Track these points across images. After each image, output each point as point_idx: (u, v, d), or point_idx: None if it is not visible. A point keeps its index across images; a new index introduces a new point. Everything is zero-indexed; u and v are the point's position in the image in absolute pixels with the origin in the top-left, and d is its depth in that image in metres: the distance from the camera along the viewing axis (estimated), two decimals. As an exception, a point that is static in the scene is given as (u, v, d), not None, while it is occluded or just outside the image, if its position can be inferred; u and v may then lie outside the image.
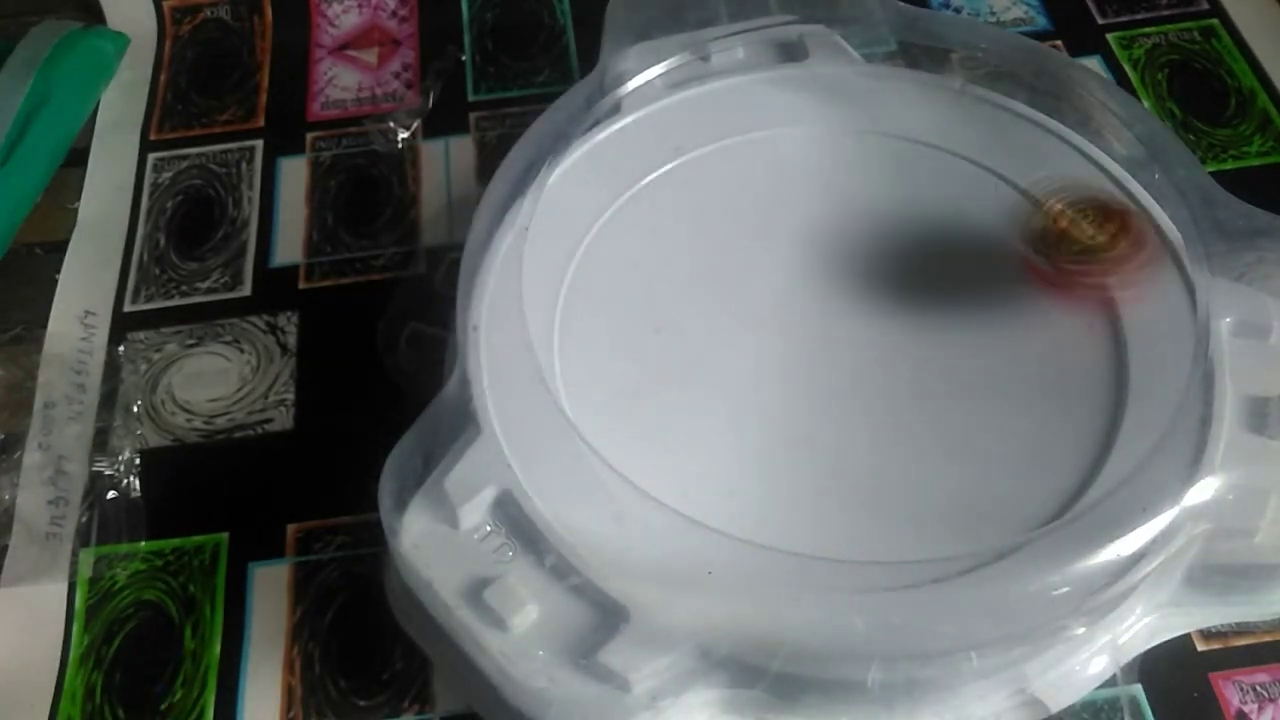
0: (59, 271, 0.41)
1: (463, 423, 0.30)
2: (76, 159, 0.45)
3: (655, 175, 0.36)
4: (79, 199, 0.44)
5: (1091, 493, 0.29)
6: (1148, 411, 0.30)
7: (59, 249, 0.42)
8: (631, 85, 0.38)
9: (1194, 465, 0.29)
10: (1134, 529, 0.28)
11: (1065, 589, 0.27)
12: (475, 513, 0.29)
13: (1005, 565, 0.28)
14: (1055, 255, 0.32)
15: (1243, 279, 0.33)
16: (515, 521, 0.28)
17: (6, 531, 0.35)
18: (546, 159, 0.35)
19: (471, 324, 0.32)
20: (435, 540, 0.28)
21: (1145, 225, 0.32)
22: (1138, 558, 0.28)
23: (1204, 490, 0.29)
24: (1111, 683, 0.29)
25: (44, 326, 0.40)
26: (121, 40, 0.48)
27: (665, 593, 0.27)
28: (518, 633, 0.27)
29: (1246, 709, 0.30)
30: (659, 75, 0.38)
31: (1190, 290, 0.32)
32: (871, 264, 0.35)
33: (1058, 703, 0.29)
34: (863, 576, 0.27)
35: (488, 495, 0.29)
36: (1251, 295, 0.32)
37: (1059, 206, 0.32)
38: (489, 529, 0.29)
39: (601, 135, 0.37)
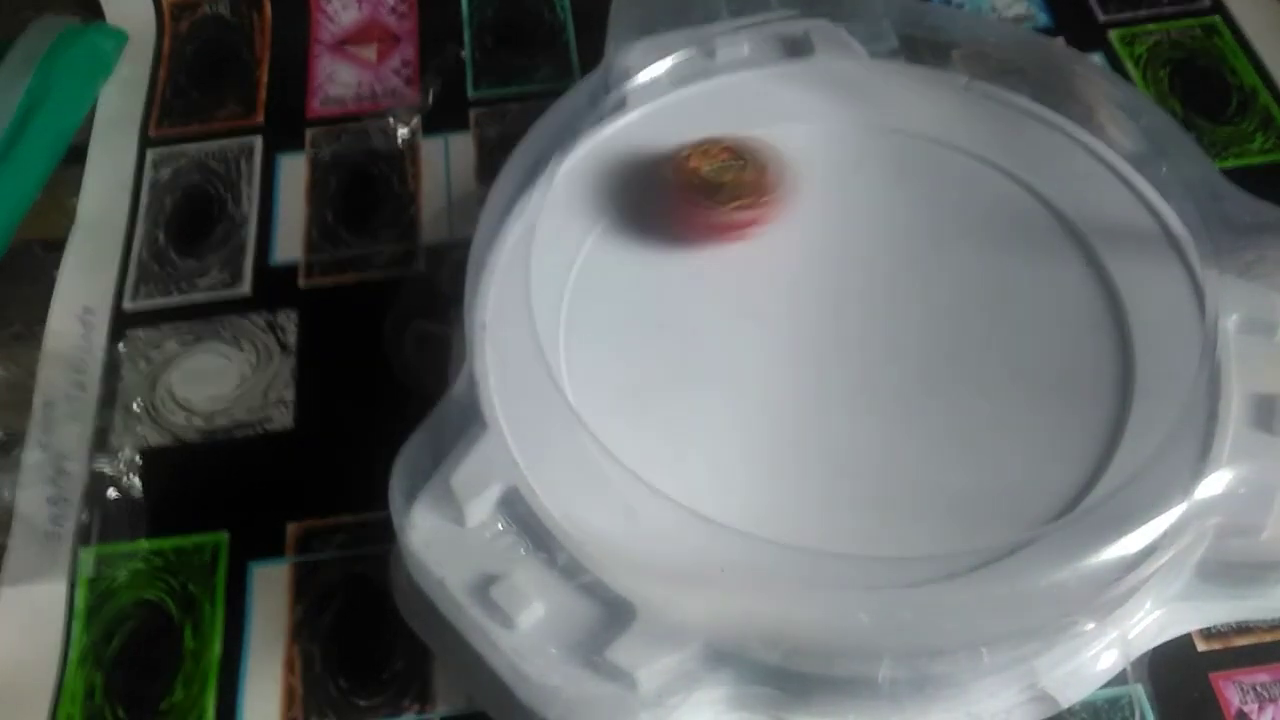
0: (58, 269, 0.41)
1: (470, 420, 0.30)
2: (75, 156, 0.45)
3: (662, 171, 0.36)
4: (78, 196, 0.43)
5: (1101, 488, 0.29)
6: (1155, 407, 0.30)
7: (58, 246, 0.42)
8: (637, 81, 0.37)
9: (1202, 461, 0.29)
10: (1143, 524, 0.28)
11: (1075, 584, 0.27)
12: (481, 510, 0.29)
13: (1016, 561, 0.27)
14: (690, 197, 0.33)
15: (1246, 274, 0.33)
16: (522, 519, 0.28)
17: (6, 530, 0.35)
18: (553, 155, 0.35)
19: (479, 321, 0.31)
20: (445, 538, 0.28)
21: (773, 159, 0.34)
22: (1147, 553, 0.27)
23: (1212, 485, 0.29)
24: (1121, 679, 0.29)
25: (43, 324, 0.39)
26: (120, 36, 0.48)
27: (675, 589, 0.27)
28: (524, 630, 0.27)
29: (1247, 709, 0.30)
30: (664, 71, 0.38)
31: (1197, 287, 0.32)
32: (878, 259, 0.34)
33: (1067, 698, 0.29)
34: (873, 572, 0.27)
35: (494, 492, 0.29)
36: (1259, 292, 0.32)
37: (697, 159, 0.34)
38: (500, 527, 0.28)
39: (607, 131, 0.37)
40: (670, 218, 0.35)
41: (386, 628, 0.32)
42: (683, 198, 0.34)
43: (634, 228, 0.35)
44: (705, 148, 0.34)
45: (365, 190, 0.43)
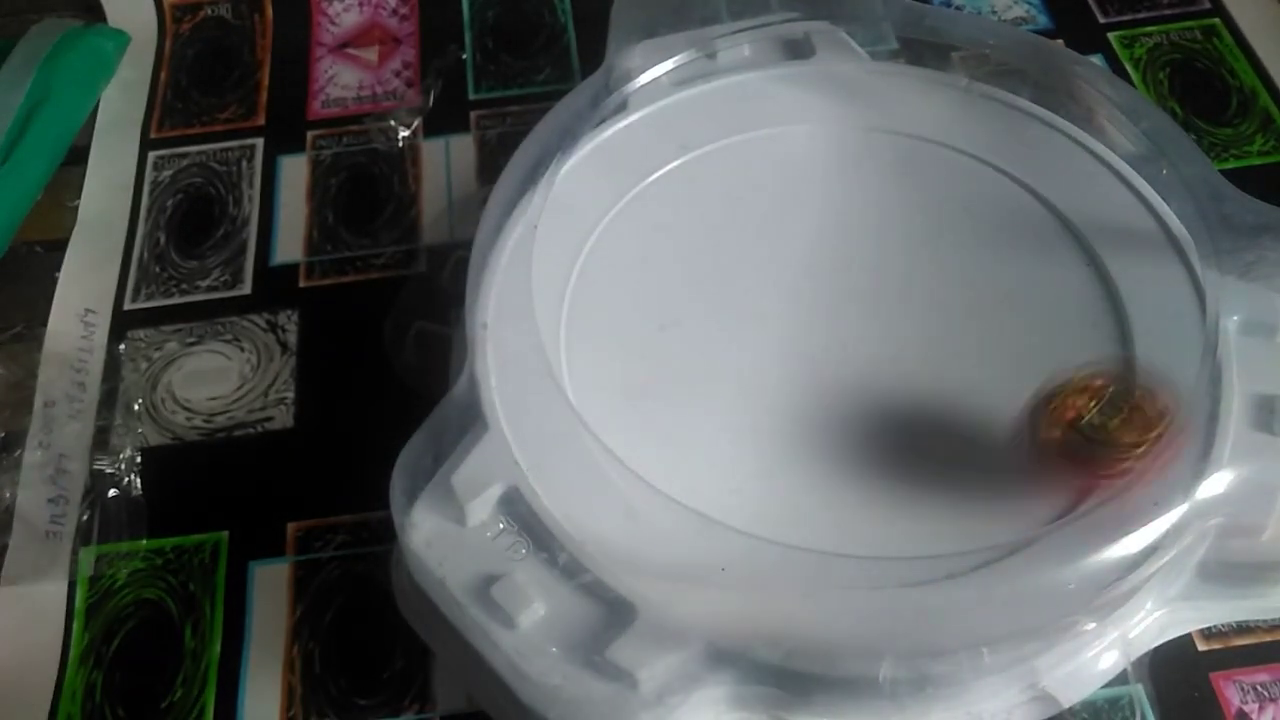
0: (59, 270, 0.41)
1: (471, 420, 0.30)
2: (77, 157, 0.45)
3: (662, 172, 0.36)
4: (79, 197, 0.44)
5: (1101, 488, 0.29)
6: (1156, 408, 0.30)
7: (59, 247, 0.42)
8: (638, 82, 0.37)
9: (1202, 461, 0.29)
10: (1144, 524, 0.28)
11: (1076, 584, 0.27)
12: (482, 509, 0.29)
13: (1017, 561, 0.27)
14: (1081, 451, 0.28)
15: (1247, 275, 0.33)
16: (523, 518, 0.28)
17: (6, 530, 0.35)
18: (554, 156, 0.35)
19: (480, 321, 0.31)
20: (446, 537, 0.28)
21: (1170, 419, 0.28)
22: (1148, 553, 0.27)
23: (1213, 486, 0.29)
24: (1122, 679, 0.29)
25: (44, 325, 0.39)
26: (122, 38, 0.48)
27: (675, 589, 0.27)
28: (524, 629, 0.27)
29: (1247, 709, 0.30)
30: (665, 72, 0.38)
31: (1198, 288, 0.32)
32: (879, 261, 0.34)
33: (1068, 698, 0.29)
34: (874, 572, 0.27)
35: (495, 492, 0.29)
36: (1259, 293, 0.32)
37: (1093, 407, 0.28)
38: (501, 526, 0.28)
39: (608, 132, 0.37)
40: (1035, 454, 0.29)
41: (386, 627, 0.32)
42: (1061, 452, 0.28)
43: (635, 229, 0.35)
44: (1083, 388, 0.28)
45: (366, 191, 0.43)
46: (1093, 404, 0.28)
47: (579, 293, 0.33)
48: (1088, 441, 0.28)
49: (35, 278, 0.41)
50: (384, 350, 0.37)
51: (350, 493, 0.35)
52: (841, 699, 0.28)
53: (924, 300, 0.34)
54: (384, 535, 0.34)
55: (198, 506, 0.35)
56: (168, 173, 0.44)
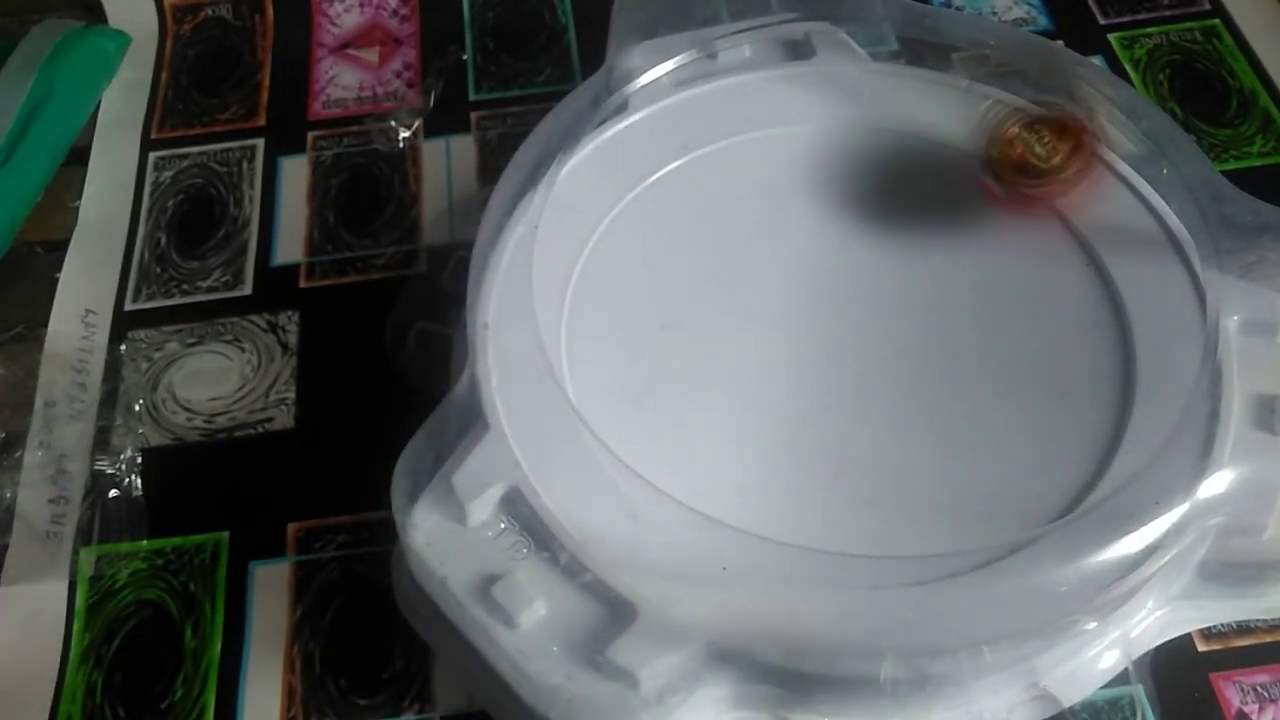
0: (60, 270, 0.41)
1: (472, 420, 0.30)
2: (77, 158, 0.45)
3: (663, 173, 0.36)
4: (80, 198, 0.44)
5: (1102, 487, 0.29)
6: (1157, 408, 0.30)
7: (60, 248, 0.42)
8: (639, 83, 0.38)
9: (1203, 460, 0.29)
10: (1145, 523, 0.28)
11: (1077, 583, 0.27)
12: (483, 509, 0.29)
13: (1018, 560, 0.27)
14: (1011, 181, 0.33)
15: (1247, 276, 0.33)
16: (524, 518, 0.28)
17: (7, 530, 0.35)
18: (555, 156, 0.35)
19: (481, 321, 0.31)
20: (446, 537, 0.28)
21: (1094, 141, 0.33)
22: (1149, 552, 0.27)
23: (1214, 485, 0.29)
24: (1122, 678, 0.29)
25: (45, 325, 0.40)
26: (123, 39, 0.48)
27: (676, 589, 0.27)
28: (525, 629, 0.27)
29: (1247, 709, 0.30)
30: (666, 73, 0.38)
31: (1199, 288, 0.32)
32: (879, 260, 0.34)
33: (1069, 697, 0.29)
34: (875, 572, 0.27)
35: (496, 492, 0.29)
36: (1260, 293, 0.32)
37: (1015, 130, 0.33)
38: (503, 526, 0.28)
39: (609, 133, 0.37)
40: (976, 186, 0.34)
41: (387, 627, 0.32)
42: (1009, 181, 0.34)
43: (636, 229, 0.35)
44: (1019, 125, 0.34)
45: (367, 192, 0.43)
46: (1028, 142, 0.33)
47: (580, 293, 0.33)
48: (1032, 172, 0.33)
49: (36, 278, 0.41)
50: (384, 350, 0.37)
51: (351, 493, 0.35)
52: (842, 698, 0.28)
53: (924, 300, 0.34)
54: (384, 535, 0.34)
55: (198, 507, 0.35)
56: (168, 173, 0.44)
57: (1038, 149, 0.32)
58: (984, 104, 0.35)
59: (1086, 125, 0.33)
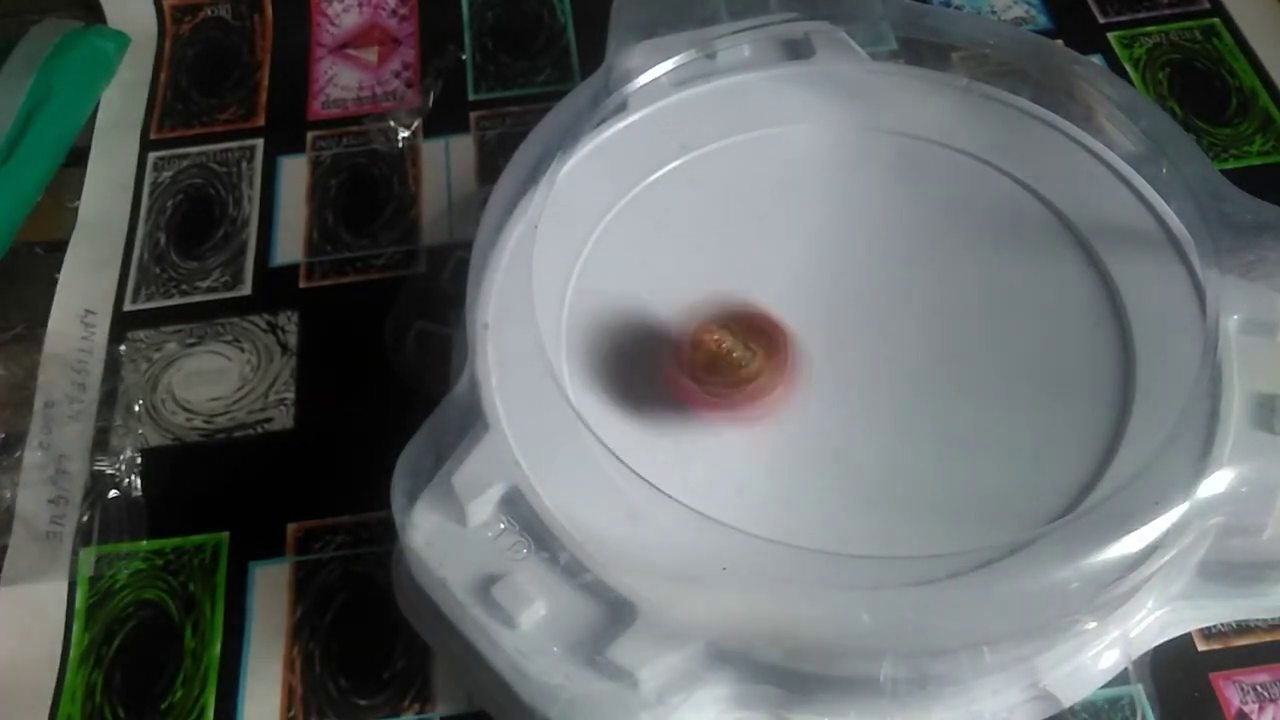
0: (59, 271, 0.41)
1: (472, 420, 0.30)
2: (77, 158, 0.45)
3: (662, 172, 0.36)
4: (79, 198, 0.44)
5: (1102, 487, 0.29)
6: (1157, 407, 0.30)
7: (59, 248, 0.42)
8: (638, 83, 0.37)
9: (1203, 460, 0.29)
10: (1145, 523, 0.28)
11: (1077, 583, 0.27)
12: (483, 509, 0.29)
13: (1018, 560, 0.27)
14: (707, 380, 0.30)
15: (1247, 275, 0.33)
16: (524, 518, 0.28)
17: (7, 531, 0.35)
18: (555, 156, 0.35)
19: (481, 321, 0.31)
20: (446, 537, 0.28)
21: (789, 348, 0.31)
22: (1149, 552, 0.27)
23: (1214, 485, 0.29)
24: (1122, 678, 0.29)
25: (44, 326, 0.39)
26: (122, 39, 0.48)
27: (676, 589, 0.27)
28: (525, 629, 0.27)
29: (1247, 709, 0.30)
30: (665, 73, 0.38)
31: (1198, 287, 0.32)
32: (878, 261, 0.34)
33: (1069, 697, 0.29)
34: (875, 572, 0.27)
35: (495, 492, 0.29)
36: (1260, 293, 0.32)
37: (713, 333, 0.31)
38: (503, 526, 0.28)
39: (609, 132, 0.37)
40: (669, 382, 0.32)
41: (387, 627, 0.32)
42: (691, 374, 0.31)
43: (635, 229, 0.35)
44: (713, 328, 0.31)
45: (366, 192, 0.43)
46: (721, 339, 0.31)
47: (579, 292, 0.33)
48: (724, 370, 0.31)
49: (35, 278, 0.41)
50: (384, 350, 0.37)
51: (350, 493, 0.35)
52: (842, 698, 0.28)
53: (924, 300, 0.34)
54: (384, 536, 0.34)
55: (198, 507, 0.35)
56: (168, 173, 0.44)
57: (729, 346, 0.30)
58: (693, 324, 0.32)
59: (784, 330, 0.31)
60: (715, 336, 0.31)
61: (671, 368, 0.31)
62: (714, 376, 0.30)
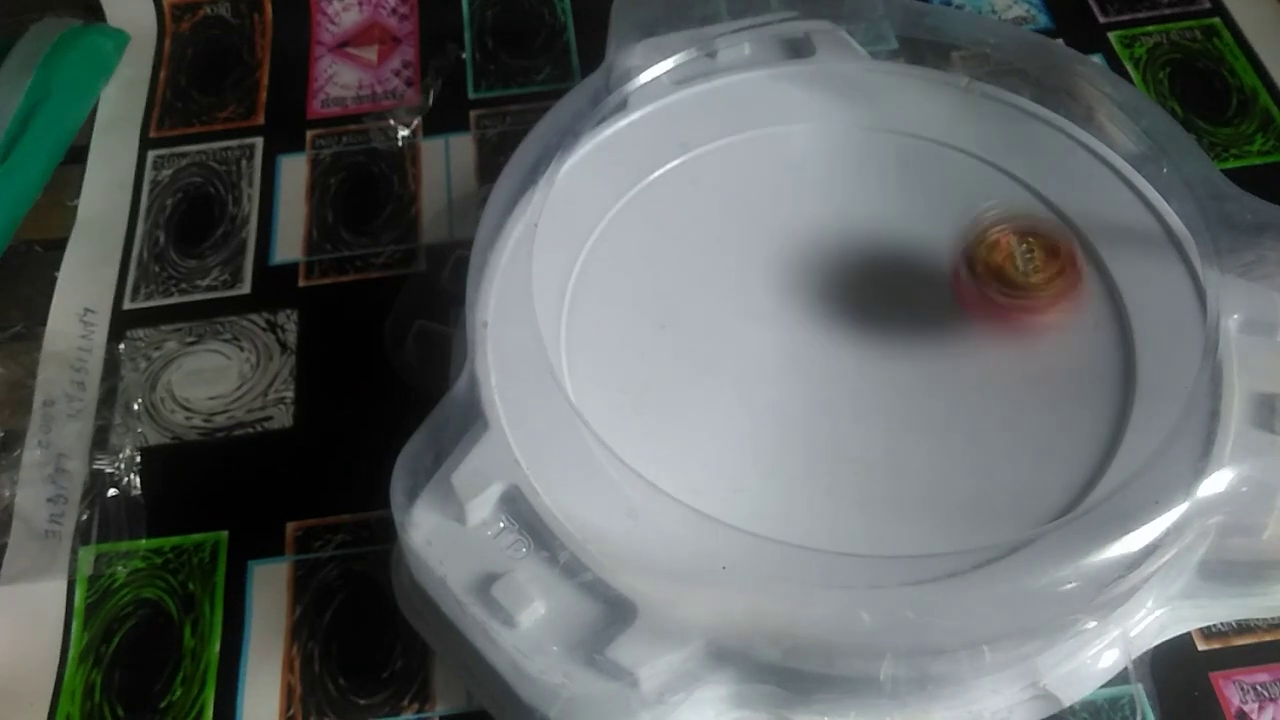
0: (58, 269, 0.41)
1: (472, 419, 0.30)
2: (76, 156, 0.45)
3: (662, 171, 0.36)
4: (78, 196, 0.44)
5: (1102, 486, 0.29)
6: (1157, 407, 0.30)
7: (58, 246, 0.42)
8: (638, 81, 0.37)
9: (1203, 459, 0.29)
10: (1145, 522, 0.28)
11: (1077, 583, 0.27)
12: (483, 508, 0.29)
13: (1017, 559, 0.27)
14: (989, 285, 0.31)
15: (1247, 274, 0.33)
16: (524, 517, 0.28)
17: (6, 529, 0.35)
18: (555, 155, 0.35)
19: (481, 320, 0.31)
20: (446, 536, 0.28)
21: (1081, 266, 0.32)
22: (1149, 551, 0.27)
23: (1214, 484, 0.29)
24: (1123, 677, 0.29)
25: (43, 324, 0.39)
26: (121, 37, 0.48)
27: (676, 588, 0.27)
28: (525, 628, 0.27)
29: (1247, 708, 0.30)
30: (665, 72, 0.38)
31: (1199, 287, 0.32)
32: (879, 259, 0.34)
33: (1069, 696, 0.29)
34: (875, 571, 0.27)
35: (495, 491, 0.29)
36: (1260, 292, 0.32)
37: (1003, 235, 0.31)
38: (502, 525, 0.28)
39: (609, 131, 0.37)
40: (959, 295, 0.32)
41: (386, 626, 0.32)
42: (984, 286, 0.31)
43: (635, 228, 0.35)
44: (999, 236, 0.31)
45: (366, 191, 0.43)
46: (1010, 255, 0.31)
47: (579, 292, 0.33)
48: (1011, 287, 0.31)
49: (34, 277, 0.41)
50: (384, 350, 0.37)
51: (350, 492, 0.35)
52: (842, 697, 0.28)
53: (924, 299, 0.34)
54: (384, 535, 0.34)
55: (197, 506, 0.35)
56: (167, 172, 0.44)
57: (1019, 261, 0.31)
58: (984, 205, 0.32)
59: (1075, 252, 0.32)
60: (1005, 246, 0.31)
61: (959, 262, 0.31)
62: (999, 282, 0.31)
